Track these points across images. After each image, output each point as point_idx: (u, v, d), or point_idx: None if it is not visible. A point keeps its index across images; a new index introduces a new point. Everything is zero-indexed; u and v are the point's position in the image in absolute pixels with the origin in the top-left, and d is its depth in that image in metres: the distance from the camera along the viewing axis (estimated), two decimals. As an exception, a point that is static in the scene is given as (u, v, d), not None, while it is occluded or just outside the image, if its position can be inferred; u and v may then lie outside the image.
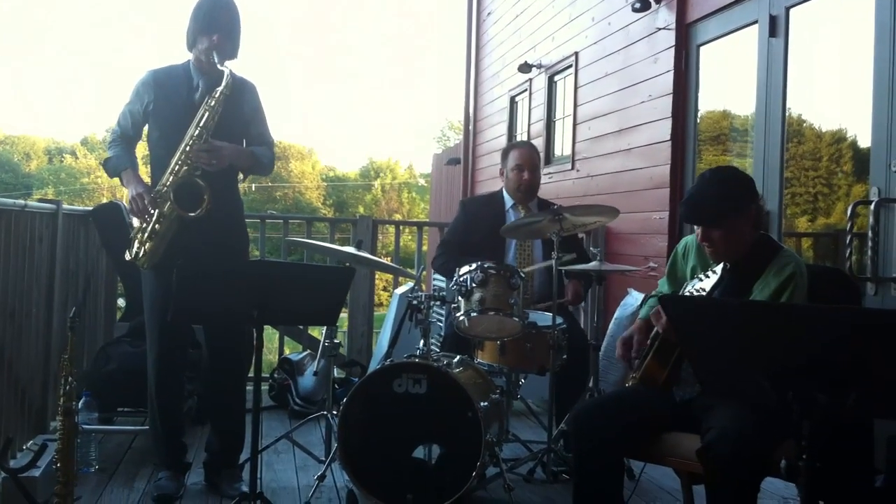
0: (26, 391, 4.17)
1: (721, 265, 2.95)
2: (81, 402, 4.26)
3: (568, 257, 4.28)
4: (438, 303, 4.15)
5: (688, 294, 2.97)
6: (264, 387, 5.87)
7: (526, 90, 9.25)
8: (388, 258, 6.52)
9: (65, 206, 4.72)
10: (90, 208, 5.48)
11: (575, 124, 7.63)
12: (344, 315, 6.57)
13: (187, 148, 3.68)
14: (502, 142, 10.03)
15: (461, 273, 4.09)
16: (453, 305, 4.14)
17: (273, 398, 5.80)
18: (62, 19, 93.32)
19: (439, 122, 76.88)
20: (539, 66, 8.76)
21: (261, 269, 3.37)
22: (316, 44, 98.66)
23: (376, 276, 7.25)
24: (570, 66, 7.84)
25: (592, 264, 4.24)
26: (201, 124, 3.68)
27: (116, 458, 4.42)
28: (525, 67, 8.94)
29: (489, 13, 11.07)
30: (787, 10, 4.74)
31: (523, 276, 4.11)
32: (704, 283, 2.93)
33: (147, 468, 4.22)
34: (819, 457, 2.06)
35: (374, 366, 5.56)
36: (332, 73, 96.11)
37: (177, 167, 3.69)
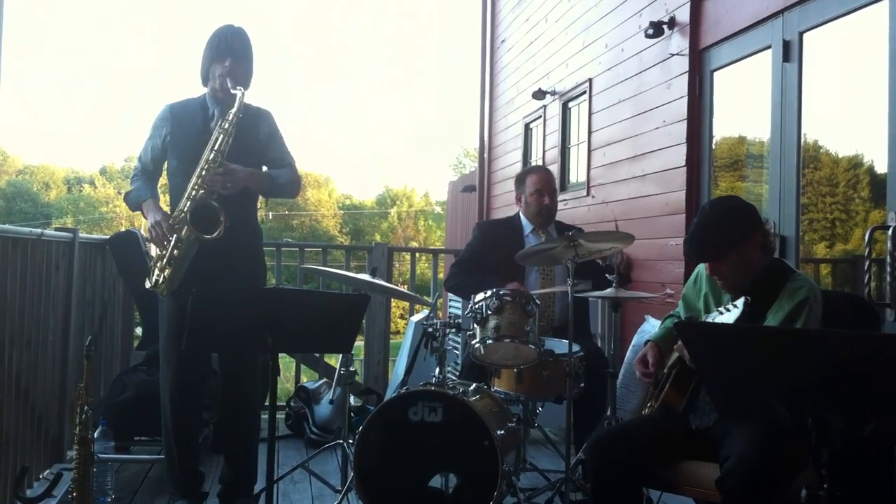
0: (42, 420, 4.17)
1: (742, 299, 2.91)
2: (98, 430, 4.25)
3: (584, 285, 4.27)
4: (454, 330, 4.13)
5: None
6: (281, 415, 5.87)
7: (540, 117, 9.27)
8: (405, 286, 6.52)
9: (81, 234, 4.74)
10: (107, 237, 5.51)
11: (589, 150, 7.63)
12: (360, 343, 6.57)
13: (203, 172, 3.71)
14: (517, 168, 10.04)
15: (476, 300, 4.08)
16: (469, 333, 4.12)
17: (289, 427, 5.79)
18: (62, 19, 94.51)
19: (455, 147, 77.19)
20: (553, 93, 8.78)
21: (275, 296, 3.37)
22: (316, 44, 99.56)
23: (393, 304, 7.25)
24: (584, 93, 7.85)
25: (608, 291, 4.22)
26: (216, 147, 3.71)
27: (133, 487, 4.42)
28: (539, 94, 8.97)
29: (503, 41, 11.12)
30: (801, 34, 4.74)
31: (538, 302, 4.09)
32: (725, 318, 2.88)
33: (163, 497, 4.21)
34: (839, 485, 2.03)
35: (390, 394, 5.54)
36: (335, 76, 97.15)
37: (193, 192, 3.72)
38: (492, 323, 3.99)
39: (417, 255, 7.50)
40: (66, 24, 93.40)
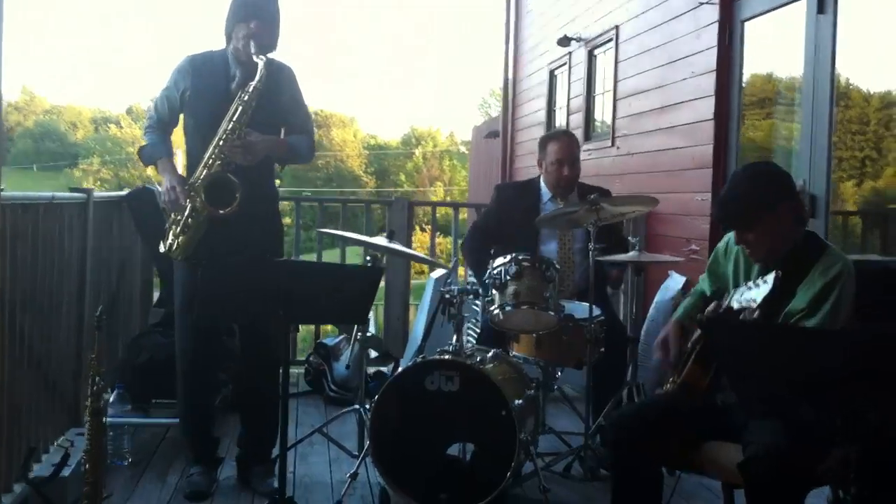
0: (57, 386, 4.13)
1: (773, 274, 2.77)
2: (114, 394, 4.24)
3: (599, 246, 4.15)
4: (472, 296, 4.05)
5: (736, 304, 2.81)
6: (300, 370, 5.83)
7: (565, 64, 9.06)
8: (427, 234, 6.42)
9: (96, 193, 4.64)
10: (123, 193, 5.44)
11: (615, 100, 7.45)
12: (380, 303, 6.53)
13: (220, 142, 3.64)
14: (541, 116, 9.87)
15: (495, 265, 3.97)
16: (487, 299, 4.03)
17: (309, 383, 5.75)
18: (62, 19, 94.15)
19: (481, 88, 76.54)
20: (579, 40, 8.55)
21: (287, 269, 3.30)
22: (316, 44, 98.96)
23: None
24: (610, 40, 7.64)
25: (630, 255, 4.11)
26: (234, 119, 3.64)
27: (150, 449, 4.41)
28: (564, 41, 8.73)
29: (529, -17, 10.86)
30: (837, -16, 4.54)
31: (558, 267, 3.99)
32: (754, 294, 2.74)
33: (180, 461, 4.20)
34: (867, 485, 1.96)
35: (407, 359, 5.49)
36: (335, 76, 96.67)
37: (210, 161, 3.66)
38: (510, 289, 3.89)
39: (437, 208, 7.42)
40: (66, 23, 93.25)
